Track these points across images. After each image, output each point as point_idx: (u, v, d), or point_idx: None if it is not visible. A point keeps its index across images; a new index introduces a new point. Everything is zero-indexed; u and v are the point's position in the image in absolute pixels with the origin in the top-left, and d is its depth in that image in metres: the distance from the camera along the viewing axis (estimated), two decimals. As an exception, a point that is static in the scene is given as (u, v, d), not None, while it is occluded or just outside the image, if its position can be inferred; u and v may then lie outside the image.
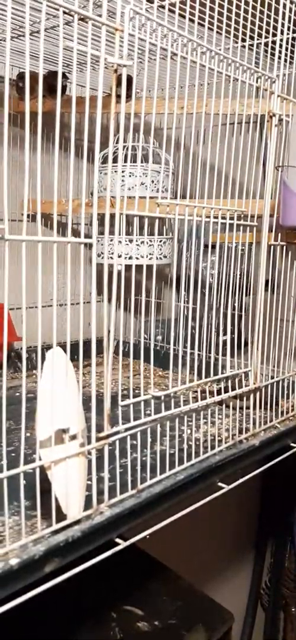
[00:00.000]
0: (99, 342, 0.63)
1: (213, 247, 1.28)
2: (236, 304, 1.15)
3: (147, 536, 0.71)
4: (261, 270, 0.89)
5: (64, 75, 1.21)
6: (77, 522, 0.62)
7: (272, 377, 0.96)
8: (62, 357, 0.61)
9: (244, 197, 0.85)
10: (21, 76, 1.16)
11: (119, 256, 1.29)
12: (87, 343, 0.63)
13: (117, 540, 0.68)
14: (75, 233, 1.11)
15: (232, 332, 1.03)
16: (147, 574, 1.12)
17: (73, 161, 0.58)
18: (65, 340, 0.61)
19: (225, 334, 1.04)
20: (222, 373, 0.83)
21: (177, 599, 1.06)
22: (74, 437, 0.61)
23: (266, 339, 1.00)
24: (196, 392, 0.79)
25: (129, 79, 1.24)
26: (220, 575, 1.84)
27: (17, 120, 1.17)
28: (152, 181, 1.23)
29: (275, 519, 1.92)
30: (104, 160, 1.28)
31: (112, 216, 0.67)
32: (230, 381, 0.84)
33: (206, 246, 1.45)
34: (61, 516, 0.61)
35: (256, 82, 0.83)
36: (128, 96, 1.25)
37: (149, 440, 0.74)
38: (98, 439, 0.64)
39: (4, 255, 0.52)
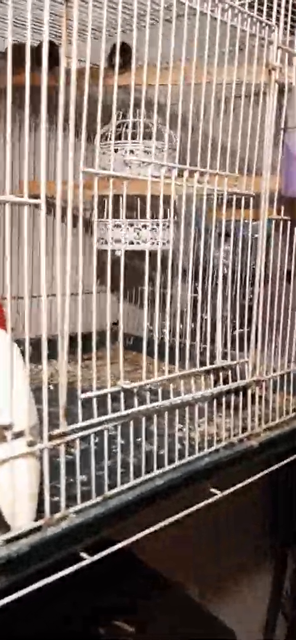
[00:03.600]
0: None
1: (228, 235, 1.18)
2: (247, 295, 1.04)
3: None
4: (261, 248, 0.79)
5: (55, 45, 1.12)
6: (25, 534, 0.53)
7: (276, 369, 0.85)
8: (3, 342, 0.52)
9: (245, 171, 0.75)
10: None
11: (118, 241, 1.21)
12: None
13: (82, 554, 0.59)
14: (76, 218, 1.04)
15: (242, 325, 0.93)
16: (144, 587, 1.02)
17: (72, 140, 0.52)
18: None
19: (234, 325, 0.94)
20: (212, 364, 0.72)
21: (173, 614, 0.97)
22: (19, 435, 0.52)
23: (280, 330, 0.90)
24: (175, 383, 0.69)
25: (127, 48, 1.15)
26: (238, 586, 1.75)
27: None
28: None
29: (293, 525, 1.81)
30: (103, 138, 1.19)
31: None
32: (221, 374, 0.73)
33: (219, 234, 1.34)
34: (5, 527, 0.52)
35: (253, 29, 0.72)
36: (126, 65, 1.16)
37: (120, 441, 0.64)
38: (51, 438, 0.54)
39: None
